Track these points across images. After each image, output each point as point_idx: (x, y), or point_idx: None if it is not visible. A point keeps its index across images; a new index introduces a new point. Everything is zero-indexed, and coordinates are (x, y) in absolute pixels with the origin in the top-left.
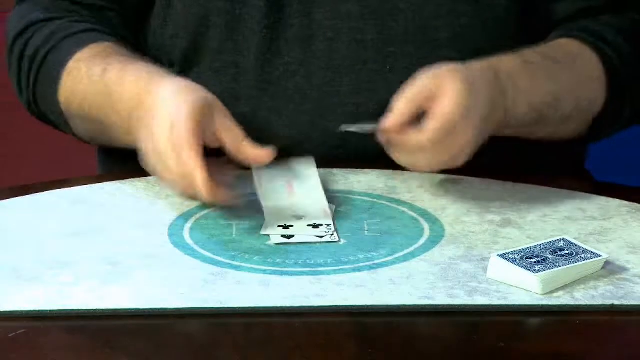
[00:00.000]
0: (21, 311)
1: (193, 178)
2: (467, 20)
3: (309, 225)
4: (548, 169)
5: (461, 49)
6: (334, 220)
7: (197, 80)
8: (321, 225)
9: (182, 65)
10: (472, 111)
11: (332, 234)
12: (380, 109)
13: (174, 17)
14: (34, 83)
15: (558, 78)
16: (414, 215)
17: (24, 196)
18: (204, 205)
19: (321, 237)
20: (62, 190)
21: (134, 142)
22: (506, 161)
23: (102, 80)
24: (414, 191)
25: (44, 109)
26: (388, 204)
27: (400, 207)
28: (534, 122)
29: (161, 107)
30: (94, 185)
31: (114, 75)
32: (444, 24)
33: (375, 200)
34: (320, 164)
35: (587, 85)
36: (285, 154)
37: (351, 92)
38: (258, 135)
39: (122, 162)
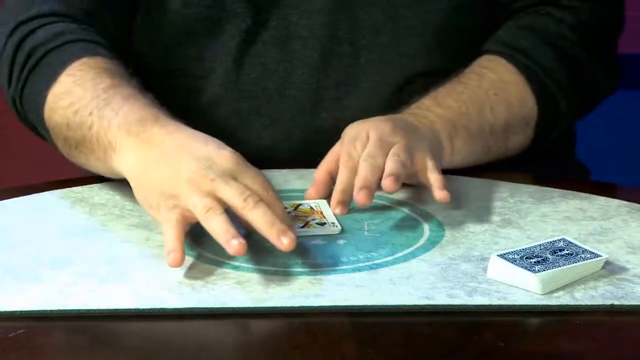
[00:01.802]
0: (21, 311)
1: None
2: (436, 6)
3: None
4: (539, 161)
5: (432, 35)
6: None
7: (177, 85)
8: (325, 223)
9: (160, 73)
10: (378, 121)
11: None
12: (359, 102)
13: (153, 26)
14: (24, 81)
15: (475, 101)
16: (414, 215)
17: (24, 196)
18: None
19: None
20: (62, 190)
21: (115, 158)
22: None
23: (106, 92)
24: (414, 191)
25: (26, 109)
26: (388, 204)
27: (400, 208)
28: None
29: (195, 139)
30: (94, 185)
31: (120, 96)
32: (413, 12)
33: (375, 200)
34: (301, 162)
35: (506, 90)
36: (267, 153)
37: (329, 87)
38: (239, 137)
39: None
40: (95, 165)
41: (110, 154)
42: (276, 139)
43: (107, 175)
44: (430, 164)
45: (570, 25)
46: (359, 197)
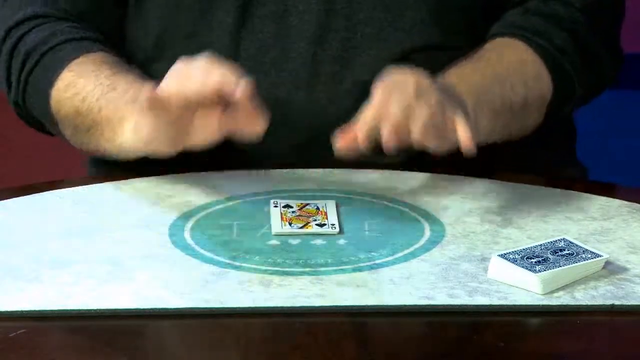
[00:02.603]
0: (21, 311)
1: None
2: None
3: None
4: (539, 161)
5: (428, 11)
6: (339, 220)
7: (172, 62)
8: (325, 224)
9: (156, 49)
10: (411, 72)
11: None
12: (355, 76)
13: (145, 9)
14: (25, 82)
15: (498, 73)
16: (415, 215)
17: (24, 196)
18: (205, 206)
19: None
20: (62, 190)
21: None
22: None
23: (109, 79)
24: (415, 191)
25: (30, 108)
26: (389, 204)
27: (401, 207)
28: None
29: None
30: (94, 185)
31: (124, 81)
32: None
33: (376, 200)
34: (297, 137)
35: (524, 68)
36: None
37: (326, 61)
38: None
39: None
40: (106, 147)
41: (118, 131)
42: (274, 113)
43: (120, 156)
44: (460, 119)
45: (578, 8)
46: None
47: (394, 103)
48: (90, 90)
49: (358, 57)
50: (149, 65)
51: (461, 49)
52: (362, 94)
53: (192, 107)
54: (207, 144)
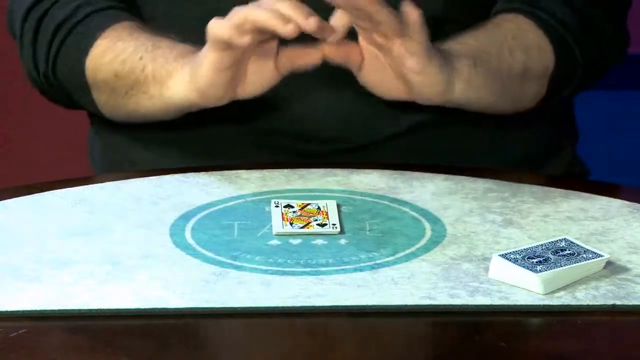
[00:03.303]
0: (22, 311)
1: None
2: None
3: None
4: (539, 157)
5: None
6: (340, 220)
7: (182, 24)
8: (326, 224)
9: (166, 24)
10: None
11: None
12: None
13: None
14: (55, 54)
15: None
16: (416, 215)
17: (24, 196)
18: (206, 206)
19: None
20: (63, 190)
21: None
22: (495, 153)
23: (150, 40)
24: (416, 191)
25: (63, 80)
26: (390, 204)
27: (401, 207)
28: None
29: None
30: (94, 185)
31: (167, 41)
32: None
33: (376, 200)
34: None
35: (525, 36)
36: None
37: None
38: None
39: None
40: (147, 105)
41: (168, 84)
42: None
43: (160, 113)
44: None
45: None
46: None
47: None
48: (131, 52)
49: None
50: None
51: (463, 22)
52: None
53: (254, 46)
54: (264, 89)
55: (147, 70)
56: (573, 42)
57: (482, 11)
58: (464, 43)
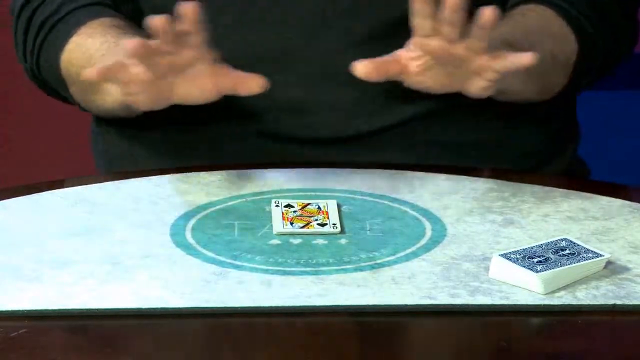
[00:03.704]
0: (22, 311)
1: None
2: None
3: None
4: (540, 155)
5: None
6: (341, 219)
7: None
8: (326, 224)
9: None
10: None
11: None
12: (365, 27)
13: None
14: (39, 50)
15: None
16: (416, 214)
17: (24, 196)
18: (206, 205)
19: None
20: (63, 190)
21: None
22: (496, 148)
23: (115, 38)
24: (416, 191)
25: (45, 75)
26: (390, 203)
27: (402, 207)
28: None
29: None
30: (94, 185)
31: (130, 36)
32: None
33: (377, 199)
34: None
35: (550, 25)
36: (272, 67)
37: (336, 14)
38: (246, 62)
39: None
40: (107, 102)
41: (108, 85)
42: (286, 62)
43: (121, 112)
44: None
45: None
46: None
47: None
48: (97, 49)
49: (368, 9)
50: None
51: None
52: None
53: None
54: (203, 101)
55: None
56: (594, 31)
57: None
58: (497, 30)
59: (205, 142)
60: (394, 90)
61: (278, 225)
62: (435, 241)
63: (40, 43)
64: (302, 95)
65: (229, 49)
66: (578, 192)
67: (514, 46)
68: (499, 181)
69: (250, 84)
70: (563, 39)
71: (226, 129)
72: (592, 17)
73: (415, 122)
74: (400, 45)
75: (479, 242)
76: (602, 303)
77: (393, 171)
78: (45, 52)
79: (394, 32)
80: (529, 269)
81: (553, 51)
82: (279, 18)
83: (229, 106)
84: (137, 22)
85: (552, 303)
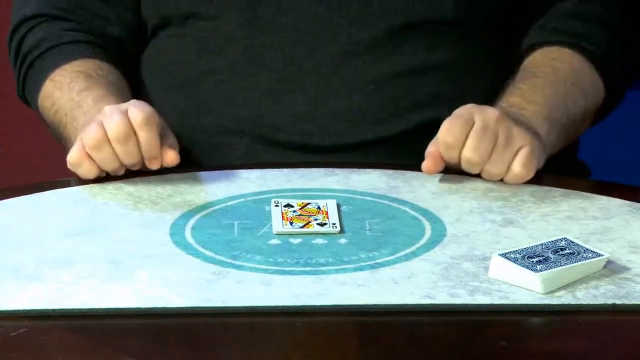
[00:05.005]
0: (23, 310)
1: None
2: None
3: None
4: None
5: None
6: (340, 219)
7: (194, 27)
8: (326, 223)
9: (180, 19)
10: (485, 107)
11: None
12: (370, 34)
13: None
14: (23, 82)
15: (558, 91)
16: (416, 214)
17: (24, 196)
18: (206, 205)
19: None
20: (63, 190)
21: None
22: None
23: (79, 95)
24: (416, 191)
25: (30, 101)
26: (390, 203)
27: (402, 207)
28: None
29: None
30: (95, 185)
31: (91, 98)
32: None
33: (377, 199)
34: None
35: (581, 79)
36: (280, 86)
37: (342, 23)
38: (252, 70)
39: None
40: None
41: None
42: (288, 72)
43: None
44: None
45: (616, 6)
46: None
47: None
48: (62, 105)
49: (373, 18)
50: (167, 30)
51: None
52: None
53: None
54: (116, 173)
55: (67, 130)
56: (619, 70)
57: (490, 14)
58: (533, 101)
59: (206, 148)
60: (399, 99)
61: (278, 225)
62: (435, 241)
63: (24, 76)
64: (307, 103)
65: (234, 58)
66: (578, 191)
67: (552, 124)
68: (498, 181)
69: (165, 158)
70: (594, 88)
71: (229, 136)
72: (617, 54)
73: (419, 131)
74: (404, 52)
75: (478, 242)
76: (602, 303)
77: (393, 171)
78: (27, 86)
79: (398, 40)
80: (528, 268)
81: (586, 107)
82: (284, 27)
83: (233, 113)
84: (131, 40)
85: (551, 303)
